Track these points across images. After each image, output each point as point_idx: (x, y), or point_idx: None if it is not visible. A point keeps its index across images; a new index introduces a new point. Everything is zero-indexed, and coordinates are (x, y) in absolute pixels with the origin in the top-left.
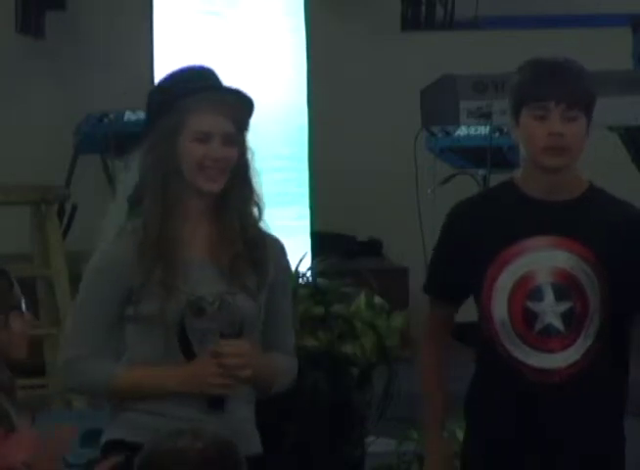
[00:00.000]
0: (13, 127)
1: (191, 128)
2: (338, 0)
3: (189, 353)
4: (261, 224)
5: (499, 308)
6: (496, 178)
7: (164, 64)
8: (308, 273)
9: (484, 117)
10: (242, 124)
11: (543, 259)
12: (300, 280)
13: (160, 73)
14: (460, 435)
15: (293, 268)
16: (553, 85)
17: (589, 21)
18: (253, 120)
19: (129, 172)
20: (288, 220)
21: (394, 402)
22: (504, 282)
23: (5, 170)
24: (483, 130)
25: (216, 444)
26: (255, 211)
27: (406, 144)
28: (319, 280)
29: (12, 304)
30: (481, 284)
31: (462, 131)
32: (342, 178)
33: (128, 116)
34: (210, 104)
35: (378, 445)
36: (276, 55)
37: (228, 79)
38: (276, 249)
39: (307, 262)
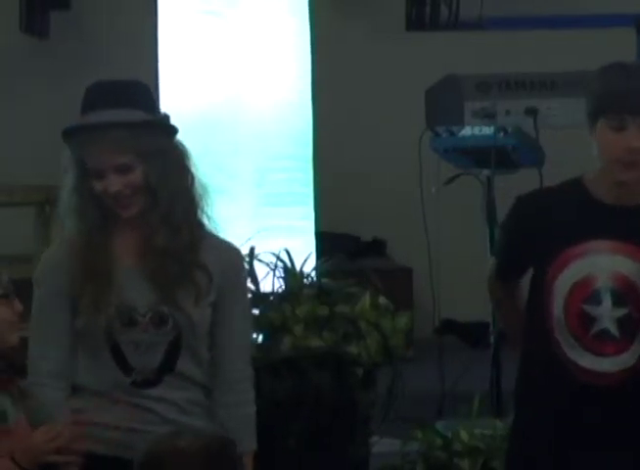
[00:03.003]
0: (17, 127)
1: (88, 167)
2: (342, 0)
3: (124, 366)
4: (207, 230)
5: (556, 307)
6: (500, 179)
7: (168, 63)
8: (313, 273)
9: (489, 117)
10: (139, 149)
11: (603, 263)
12: (305, 280)
13: (163, 73)
14: (464, 435)
15: (297, 268)
16: (632, 97)
17: (593, 21)
18: (258, 121)
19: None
20: (292, 220)
21: (399, 403)
22: (563, 282)
23: (9, 171)
24: (488, 131)
25: (215, 443)
26: (189, 218)
27: (410, 144)
28: (323, 280)
29: None
30: (542, 280)
31: (466, 131)
32: (347, 178)
33: None
34: (93, 142)
35: (382, 445)
36: (280, 55)
37: (233, 79)
38: (221, 258)
39: (312, 263)
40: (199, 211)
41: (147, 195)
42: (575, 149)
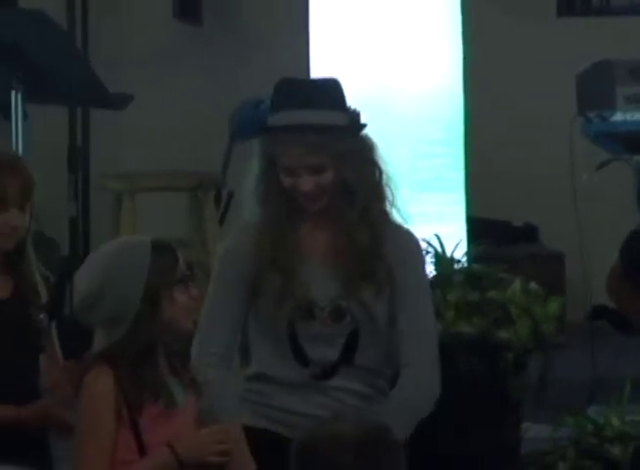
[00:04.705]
0: (170, 114)
1: (279, 161)
2: None
3: (301, 358)
4: (390, 221)
5: None
6: None
7: (320, 49)
8: (464, 259)
9: None
10: (333, 152)
11: None
12: (456, 266)
13: (315, 59)
14: (615, 421)
15: (448, 254)
16: None
17: None
18: (409, 107)
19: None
20: (443, 206)
21: (550, 389)
22: None
23: (163, 157)
24: None
25: (373, 428)
26: (378, 212)
27: (561, 129)
28: (474, 266)
29: (176, 278)
30: None
31: (618, 117)
32: (498, 164)
33: None
34: (286, 142)
35: (533, 430)
36: (431, 40)
37: (384, 65)
38: (400, 248)
39: (463, 248)
40: (387, 204)
41: (336, 192)
42: None
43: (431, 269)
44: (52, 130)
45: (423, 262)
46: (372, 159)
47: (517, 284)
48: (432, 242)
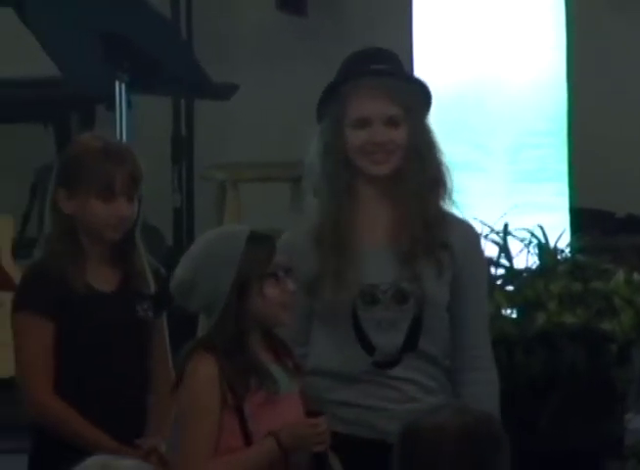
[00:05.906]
0: (274, 104)
1: (351, 115)
2: None
3: (367, 345)
4: (449, 207)
5: None
6: None
7: (423, 40)
8: (567, 250)
9: None
10: (410, 105)
11: None
12: (559, 256)
13: (418, 53)
14: None
15: (551, 244)
16: None
17: None
18: (513, 97)
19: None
20: (546, 197)
21: None
22: None
23: (267, 147)
24: None
25: (477, 419)
26: (440, 191)
27: None
28: (578, 256)
29: (268, 271)
30: None
31: None
32: (602, 154)
33: None
34: (367, 88)
35: (637, 421)
36: (535, 32)
37: (487, 56)
38: (463, 235)
39: (566, 239)
40: (445, 192)
41: (402, 157)
42: None
43: (534, 260)
44: (156, 121)
45: (484, 255)
46: (435, 140)
47: (620, 275)
48: (535, 232)
